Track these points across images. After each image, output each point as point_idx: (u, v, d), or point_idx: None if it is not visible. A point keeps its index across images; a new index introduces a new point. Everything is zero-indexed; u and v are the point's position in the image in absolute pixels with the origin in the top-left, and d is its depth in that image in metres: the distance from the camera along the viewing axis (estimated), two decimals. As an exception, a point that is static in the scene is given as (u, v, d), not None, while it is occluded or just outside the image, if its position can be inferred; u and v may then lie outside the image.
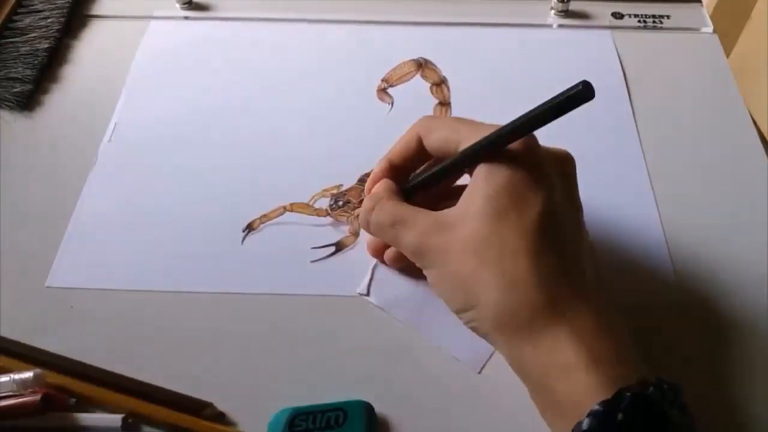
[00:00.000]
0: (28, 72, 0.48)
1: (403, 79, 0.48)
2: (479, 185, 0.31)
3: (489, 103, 0.47)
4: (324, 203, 0.41)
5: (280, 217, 0.40)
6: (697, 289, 0.38)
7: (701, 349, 0.36)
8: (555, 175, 0.32)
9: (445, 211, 0.32)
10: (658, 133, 0.45)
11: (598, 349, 0.28)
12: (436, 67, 0.48)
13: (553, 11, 0.52)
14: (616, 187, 0.42)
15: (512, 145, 0.31)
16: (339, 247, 0.39)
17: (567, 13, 0.52)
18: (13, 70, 0.48)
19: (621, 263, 0.39)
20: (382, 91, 0.47)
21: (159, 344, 0.36)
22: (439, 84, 0.47)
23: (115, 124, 0.45)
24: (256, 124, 0.46)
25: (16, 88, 0.47)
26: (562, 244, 0.31)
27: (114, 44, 0.51)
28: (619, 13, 0.52)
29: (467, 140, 0.32)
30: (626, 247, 0.40)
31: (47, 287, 0.38)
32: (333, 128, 0.45)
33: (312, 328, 0.36)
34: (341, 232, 0.40)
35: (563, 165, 0.33)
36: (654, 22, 0.51)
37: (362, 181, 0.42)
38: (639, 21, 0.52)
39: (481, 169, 0.31)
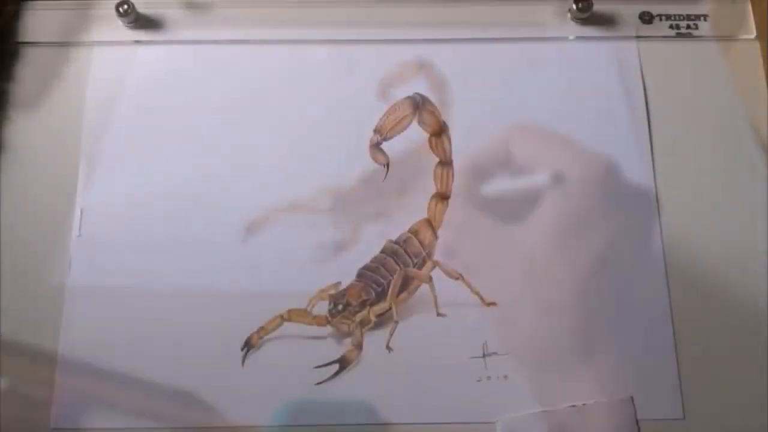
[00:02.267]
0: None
1: (398, 127, 0.42)
2: None
3: (493, 121, 0.42)
4: (323, 306, 0.39)
5: (279, 330, 0.39)
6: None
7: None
8: None
9: None
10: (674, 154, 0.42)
11: None
12: (435, 107, 0.42)
13: (569, 15, 0.44)
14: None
15: None
16: (343, 364, 0.38)
17: (586, 21, 0.44)
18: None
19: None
20: (376, 148, 0.42)
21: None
22: (439, 134, 0.42)
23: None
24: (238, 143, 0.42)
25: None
26: None
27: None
28: (648, 13, 0.44)
29: None
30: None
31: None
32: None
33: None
34: (344, 345, 0.38)
35: None
36: (688, 26, 0.44)
37: (361, 275, 0.40)
38: (670, 26, 0.44)
39: None
